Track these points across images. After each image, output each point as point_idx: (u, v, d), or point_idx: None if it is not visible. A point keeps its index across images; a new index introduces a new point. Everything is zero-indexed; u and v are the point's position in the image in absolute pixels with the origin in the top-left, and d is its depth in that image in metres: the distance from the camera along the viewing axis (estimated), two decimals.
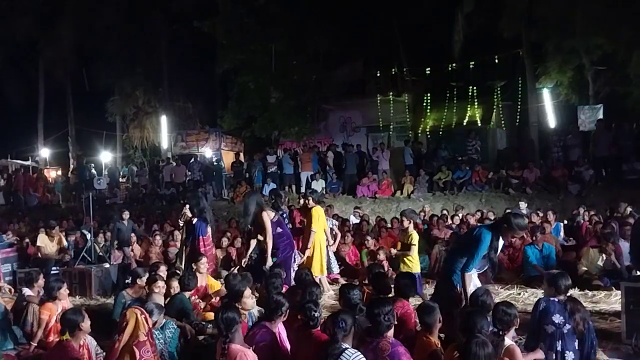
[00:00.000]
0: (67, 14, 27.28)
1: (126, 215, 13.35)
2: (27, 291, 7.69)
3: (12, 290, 9.04)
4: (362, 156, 20.04)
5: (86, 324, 5.28)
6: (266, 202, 9.80)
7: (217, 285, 8.08)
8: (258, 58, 21.99)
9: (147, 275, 7.37)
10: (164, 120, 27.30)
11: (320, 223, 9.21)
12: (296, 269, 8.39)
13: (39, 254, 12.05)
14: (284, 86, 22.51)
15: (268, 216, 8.54)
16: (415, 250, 8.32)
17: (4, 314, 7.17)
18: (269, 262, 8.39)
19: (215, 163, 22.22)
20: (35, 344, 6.82)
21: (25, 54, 28.89)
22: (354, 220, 14.77)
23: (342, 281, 10.46)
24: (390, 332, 4.64)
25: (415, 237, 8.21)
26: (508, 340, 4.69)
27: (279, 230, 8.69)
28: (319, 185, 18.33)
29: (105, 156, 29.91)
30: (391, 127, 22.76)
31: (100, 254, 11.88)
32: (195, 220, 8.96)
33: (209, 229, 9.09)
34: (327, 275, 9.85)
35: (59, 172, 27.59)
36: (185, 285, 7.23)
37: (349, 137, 23.17)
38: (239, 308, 5.33)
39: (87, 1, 26.80)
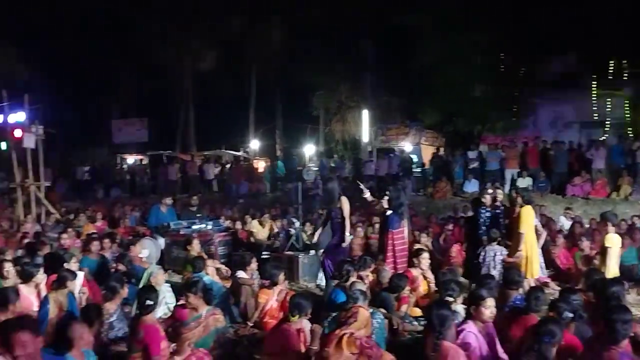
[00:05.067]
0: (276, 14, 29.34)
1: None
2: (240, 273, 8.10)
3: (229, 271, 9.63)
4: (573, 154, 18.61)
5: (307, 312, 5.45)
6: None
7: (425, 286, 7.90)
8: (462, 50, 21.40)
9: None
10: (365, 114, 27.68)
11: (530, 224, 8.73)
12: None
13: (252, 239, 12.78)
14: (490, 79, 21.72)
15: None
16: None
17: (226, 295, 7.70)
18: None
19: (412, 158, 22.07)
20: (252, 324, 7.21)
21: (238, 54, 31.17)
22: (564, 221, 13.90)
23: (553, 285, 9.82)
24: (624, 343, 4.36)
25: (610, 239, 7.32)
26: None
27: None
28: (525, 183, 17.40)
29: (309, 149, 31.20)
30: (607, 123, 20.97)
31: (307, 242, 12.22)
32: (389, 212, 8.89)
33: (403, 224, 8.93)
34: (537, 279, 9.24)
35: (266, 163, 29.30)
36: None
37: (559, 133, 21.78)
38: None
39: (295, 2, 28.25)
